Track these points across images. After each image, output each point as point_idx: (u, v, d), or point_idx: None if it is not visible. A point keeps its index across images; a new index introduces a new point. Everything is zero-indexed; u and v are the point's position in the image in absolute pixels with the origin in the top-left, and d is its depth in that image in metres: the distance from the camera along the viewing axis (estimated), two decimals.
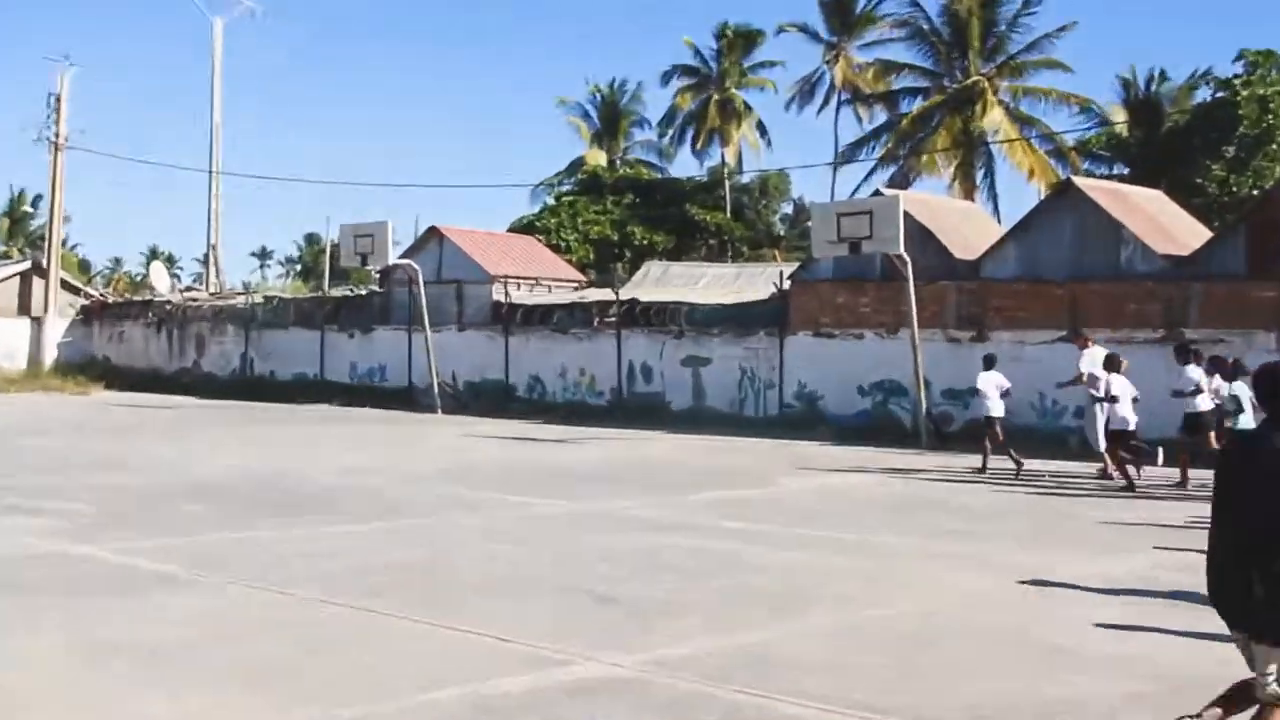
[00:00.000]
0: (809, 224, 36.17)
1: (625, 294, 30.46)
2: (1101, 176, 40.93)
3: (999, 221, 39.30)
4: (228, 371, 36.98)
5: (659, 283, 34.22)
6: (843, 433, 23.44)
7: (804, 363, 25.62)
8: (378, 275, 36.82)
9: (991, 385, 18.29)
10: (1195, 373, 16.39)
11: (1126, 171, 42.64)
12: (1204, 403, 16.16)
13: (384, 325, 33.74)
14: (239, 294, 41.65)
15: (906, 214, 22.70)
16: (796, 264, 30.16)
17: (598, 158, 57.63)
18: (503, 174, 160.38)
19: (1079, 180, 25.53)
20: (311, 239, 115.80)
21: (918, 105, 44.99)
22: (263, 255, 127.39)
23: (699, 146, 57.88)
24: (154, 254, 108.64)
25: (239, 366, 36.64)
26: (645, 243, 45.90)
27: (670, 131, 58.80)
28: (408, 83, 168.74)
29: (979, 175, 44.65)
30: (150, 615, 8.19)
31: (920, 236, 24.06)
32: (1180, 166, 39.26)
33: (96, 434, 22.53)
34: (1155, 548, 11.54)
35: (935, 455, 20.41)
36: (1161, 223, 23.99)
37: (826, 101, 55.17)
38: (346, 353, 34.18)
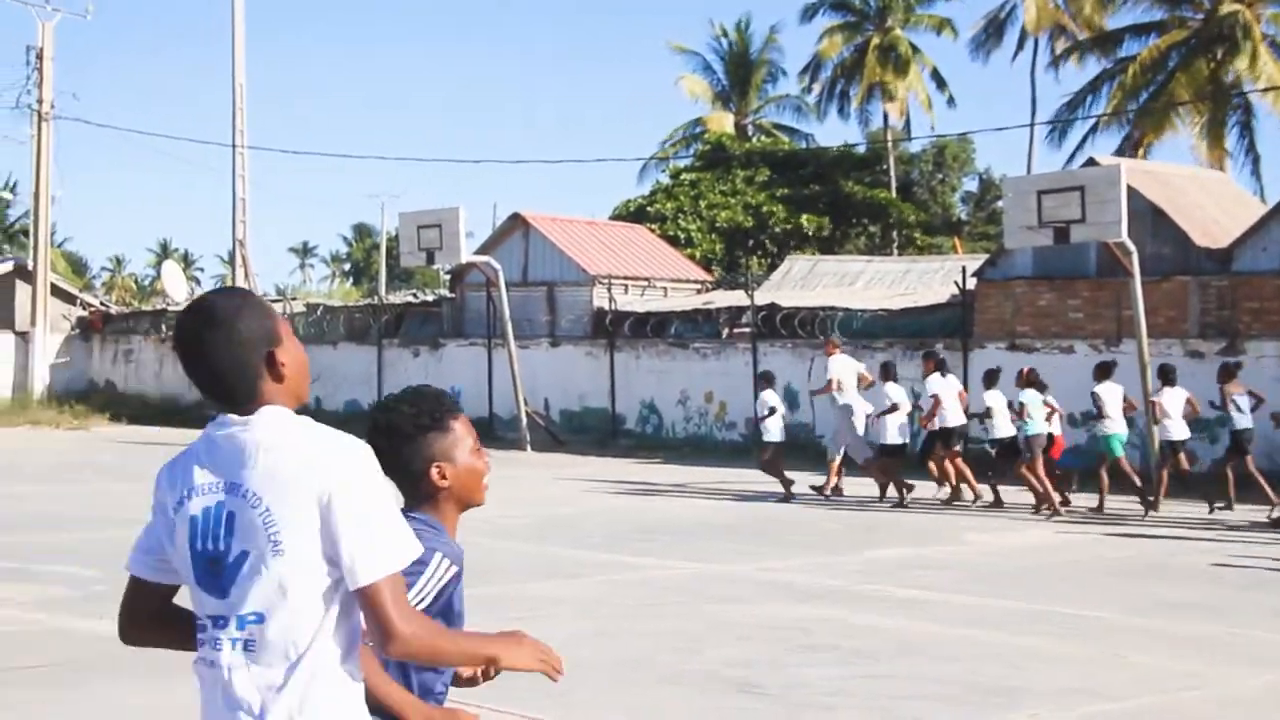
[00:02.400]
0: (999, 204, 35.80)
1: (762, 297, 30.48)
2: None
3: (1261, 197, 38.54)
4: None
5: (804, 282, 34.22)
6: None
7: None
8: (448, 276, 37.38)
9: (778, 404, 21.47)
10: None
11: None
12: (954, 418, 20.57)
13: (456, 339, 34.22)
14: (274, 301, 42.52)
15: (1131, 189, 22.37)
16: (984, 257, 29.90)
17: (723, 123, 57.63)
18: (602, 147, 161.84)
19: None
20: (362, 231, 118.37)
21: (1147, 47, 43.97)
22: (303, 252, 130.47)
23: (855, 105, 57.82)
24: (165, 251, 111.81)
25: None
26: (789, 227, 45.61)
27: (816, 86, 58.78)
28: (478, 35, 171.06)
29: (1232, 137, 43.65)
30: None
31: (1150, 218, 23.74)
32: None
33: (101, 476, 23.21)
34: None
35: (1167, 503, 20.07)
36: None
37: (1020, 46, 54.81)
38: (410, 374, 34.64)
